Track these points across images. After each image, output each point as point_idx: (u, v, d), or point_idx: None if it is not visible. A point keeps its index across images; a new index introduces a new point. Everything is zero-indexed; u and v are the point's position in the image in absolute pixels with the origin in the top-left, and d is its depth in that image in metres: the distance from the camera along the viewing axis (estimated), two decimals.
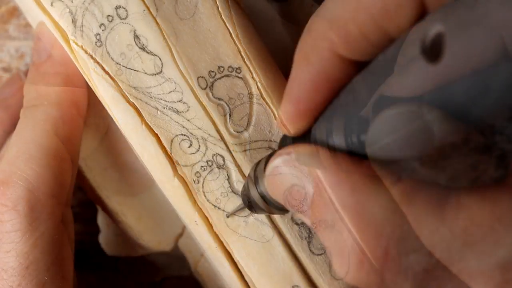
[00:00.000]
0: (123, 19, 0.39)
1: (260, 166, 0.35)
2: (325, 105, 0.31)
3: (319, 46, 0.30)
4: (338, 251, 0.28)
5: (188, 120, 0.39)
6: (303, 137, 0.33)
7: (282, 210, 0.35)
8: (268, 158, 0.35)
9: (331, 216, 0.28)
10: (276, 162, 0.32)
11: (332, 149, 0.30)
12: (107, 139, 0.46)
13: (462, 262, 0.27)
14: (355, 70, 0.30)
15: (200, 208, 0.40)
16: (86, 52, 0.39)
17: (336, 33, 0.29)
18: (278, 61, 0.42)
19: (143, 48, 0.39)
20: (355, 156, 0.29)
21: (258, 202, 0.35)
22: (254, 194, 0.35)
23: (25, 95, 0.43)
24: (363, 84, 0.28)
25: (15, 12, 0.57)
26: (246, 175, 0.39)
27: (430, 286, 0.28)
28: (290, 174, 0.31)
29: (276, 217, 0.40)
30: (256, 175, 0.35)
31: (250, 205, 0.36)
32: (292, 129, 0.33)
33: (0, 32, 0.57)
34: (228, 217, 0.40)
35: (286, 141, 0.34)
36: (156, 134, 0.39)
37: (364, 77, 0.28)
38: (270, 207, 0.35)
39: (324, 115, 0.31)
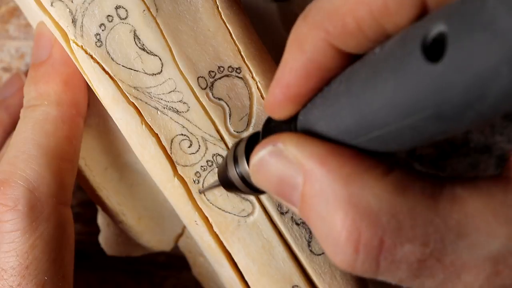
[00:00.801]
0: (123, 19, 0.39)
1: (240, 146, 0.35)
2: (314, 93, 0.31)
3: (314, 35, 0.30)
4: (332, 240, 0.28)
5: (188, 120, 0.39)
6: (289, 121, 0.33)
7: (260, 192, 0.35)
8: (250, 139, 0.34)
9: (324, 206, 0.28)
10: (262, 153, 0.31)
11: (319, 137, 0.30)
12: (107, 139, 0.46)
13: (454, 253, 0.27)
14: (348, 61, 0.30)
15: (200, 208, 0.40)
16: (86, 52, 0.39)
17: (333, 24, 0.29)
18: (278, 61, 0.42)
19: (143, 48, 0.39)
20: (344, 145, 0.29)
21: (236, 183, 0.35)
22: (232, 174, 0.35)
23: (25, 95, 0.43)
24: (357, 76, 0.28)
25: (15, 12, 0.57)
26: None
27: (423, 276, 0.28)
28: (277, 165, 0.31)
29: (276, 218, 0.40)
30: (235, 155, 0.35)
31: (226, 184, 0.36)
32: (278, 113, 0.33)
33: (0, 32, 0.57)
34: (201, 193, 0.39)
35: (270, 125, 0.34)
36: (156, 134, 0.39)
37: (359, 68, 0.28)
38: (248, 188, 0.35)
39: (314, 102, 0.31)
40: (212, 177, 0.39)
